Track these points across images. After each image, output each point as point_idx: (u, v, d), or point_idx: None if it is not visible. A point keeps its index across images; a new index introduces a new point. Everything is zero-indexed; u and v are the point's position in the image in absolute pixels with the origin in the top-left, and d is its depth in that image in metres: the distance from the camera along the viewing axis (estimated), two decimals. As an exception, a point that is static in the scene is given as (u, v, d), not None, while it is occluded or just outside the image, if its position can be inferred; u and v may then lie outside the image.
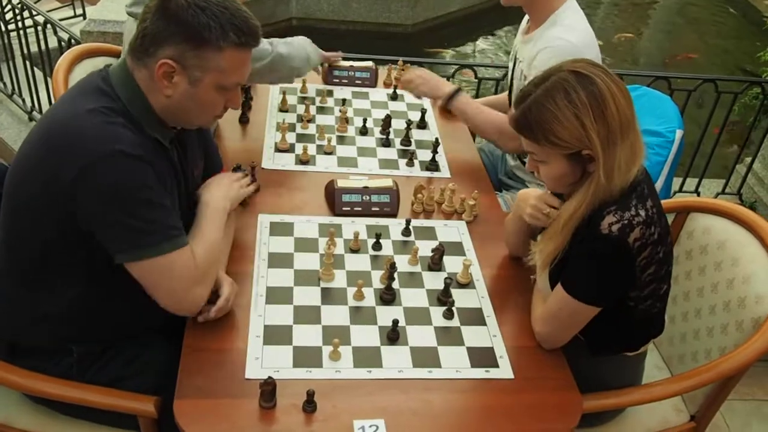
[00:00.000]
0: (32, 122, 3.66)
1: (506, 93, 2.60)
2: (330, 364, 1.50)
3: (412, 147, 2.28)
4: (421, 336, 1.60)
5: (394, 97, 2.55)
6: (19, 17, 3.45)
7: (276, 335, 1.55)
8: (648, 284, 1.58)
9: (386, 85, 2.63)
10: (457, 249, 1.88)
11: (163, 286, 1.45)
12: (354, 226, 1.90)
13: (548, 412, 1.48)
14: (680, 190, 3.48)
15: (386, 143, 2.28)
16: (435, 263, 1.79)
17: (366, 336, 1.58)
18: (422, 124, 2.40)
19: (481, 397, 1.50)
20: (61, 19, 4.34)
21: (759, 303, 1.68)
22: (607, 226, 1.47)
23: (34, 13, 3.32)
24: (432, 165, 2.19)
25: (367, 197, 1.96)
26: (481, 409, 1.48)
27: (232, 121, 2.31)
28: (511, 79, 2.36)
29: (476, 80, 3.24)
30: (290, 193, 2.01)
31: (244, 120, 2.31)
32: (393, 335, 1.58)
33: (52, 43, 3.35)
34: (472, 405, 1.48)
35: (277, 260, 1.76)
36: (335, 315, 1.63)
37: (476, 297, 1.73)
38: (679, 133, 2.24)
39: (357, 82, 2.59)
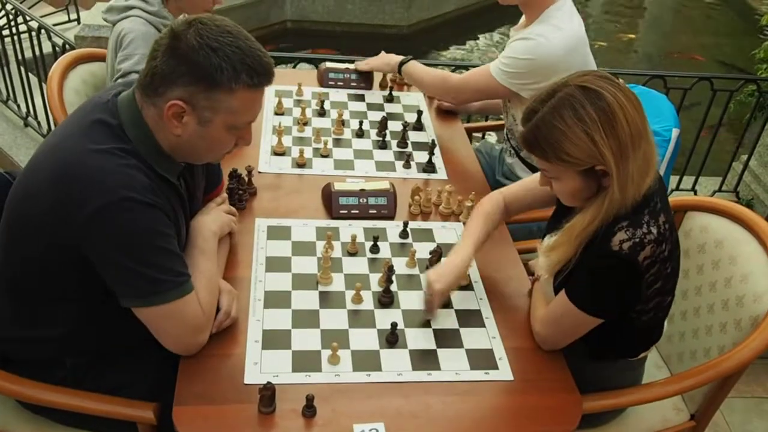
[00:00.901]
0: (27, 128, 3.65)
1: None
2: (329, 368, 1.50)
3: (409, 149, 2.28)
4: (420, 338, 1.60)
5: (390, 99, 2.55)
6: (12, 23, 3.44)
7: (275, 340, 1.55)
8: (653, 298, 1.57)
9: (382, 87, 2.62)
10: (455, 251, 1.87)
11: (170, 332, 1.44)
12: (351, 229, 1.89)
13: (548, 414, 1.48)
14: (677, 188, 3.49)
15: (383, 145, 2.28)
16: (433, 266, 1.78)
17: (365, 339, 1.58)
18: (418, 126, 2.40)
19: (481, 400, 1.49)
20: (55, 24, 4.34)
21: (757, 301, 1.68)
22: (618, 243, 1.44)
23: (28, 18, 3.31)
24: (429, 167, 2.19)
25: (364, 200, 1.96)
26: (480, 412, 1.47)
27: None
28: None
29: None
30: (287, 197, 2.01)
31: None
32: (392, 338, 1.57)
33: (47, 48, 3.34)
34: (471, 407, 1.47)
35: (275, 264, 1.75)
36: (334, 319, 1.62)
37: (475, 299, 1.73)
38: (675, 132, 2.24)
39: (353, 84, 2.58)
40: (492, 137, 3.74)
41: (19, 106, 3.69)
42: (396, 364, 1.53)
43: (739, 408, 2.58)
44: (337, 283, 1.72)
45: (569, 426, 1.46)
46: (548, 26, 2.10)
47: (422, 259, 1.81)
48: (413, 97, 2.59)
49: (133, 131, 1.41)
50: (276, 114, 2.38)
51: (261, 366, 1.49)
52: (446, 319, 1.66)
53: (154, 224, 1.38)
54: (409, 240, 1.89)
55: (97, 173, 1.34)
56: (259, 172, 2.08)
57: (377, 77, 2.65)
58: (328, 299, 1.67)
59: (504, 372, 1.54)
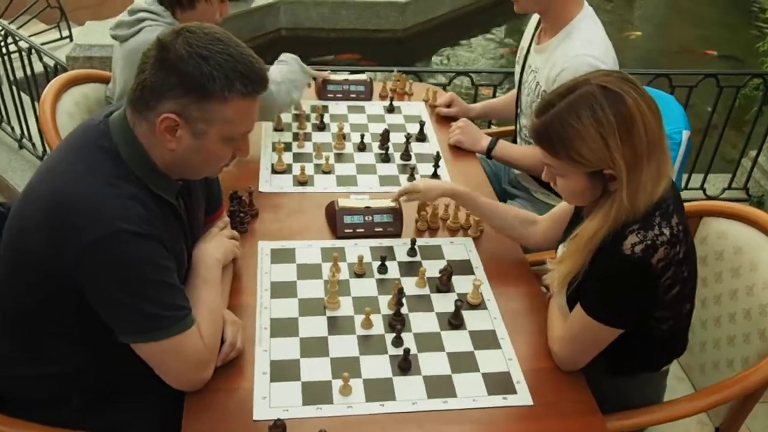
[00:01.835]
0: (22, 150, 3.60)
1: (509, 96, 2.55)
2: (341, 400, 1.44)
3: (413, 161, 2.22)
4: (433, 364, 1.54)
5: (390, 109, 2.49)
6: (2, 44, 3.38)
7: (283, 371, 1.49)
8: (672, 304, 1.51)
9: (382, 97, 2.57)
10: (465, 267, 1.81)
11: (172, 368, 1.38)
12: (357, 249, 1.83)
13: (571, 439, 1.42)
14: (686, 187, 3.43)
15: (386, 158, 2.22)
16: (443, 284, 1.72)
17: (377, 367, 1.52)
18: (421, 137, 2.34)
19: (501, 428, 1.43)
20: (46, 42, 4.30)
21: (782, 311, 1.62)
22: (630, 246, 1.39)
23: (18, 39, 3.26)
24: (434, 179, 2.13)
25: (370, 217, 1.90)
26: (501, 440, 1.41)
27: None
28: (520, 84, 2.30)
29: (472, 87, 3.18)
30: (290, 217, 1.95)
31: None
32: (405, 365, 1.51)
33: (39, 68, 3.29)
34: (491, 436, 1.41)
35: (280, 290, 1.69)
36: (343, 346, 1.56)
37: (489, 318, 1.67)
38: (685, 134, 2.17)
39: (352, 95, 2.53)
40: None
41: (12, 128, 3.63)
42: (410, 393, 1.47)
43: (761, 414, 2.51)
44: (345, 307, 1.66)
45: (593, 451, 1.40)
46: (580, 41, 2.00)
47: (432, 278, 1.75)
48: (414, 107, 2.53)
49: (126, 151, 1.35)
50: (275, 130, 2.32)
51: (270, 400, 1.43)
52: (460, 341, 1.60)
53: (150, 257, 1.32)
54: (418, 258, 1.83)
55: (91, 203, 1.28)
56: (260, 192, 2.02)
57: (377, 87, 2.59)
58: (336, 325, 1.61)
59: (523, 396, 1.48)
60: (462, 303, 1.64)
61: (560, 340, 1.54)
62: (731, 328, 1.77)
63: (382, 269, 1.77)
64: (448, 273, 1.72)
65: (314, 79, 2.49)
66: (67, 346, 1.43)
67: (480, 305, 1.70)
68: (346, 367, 1.49)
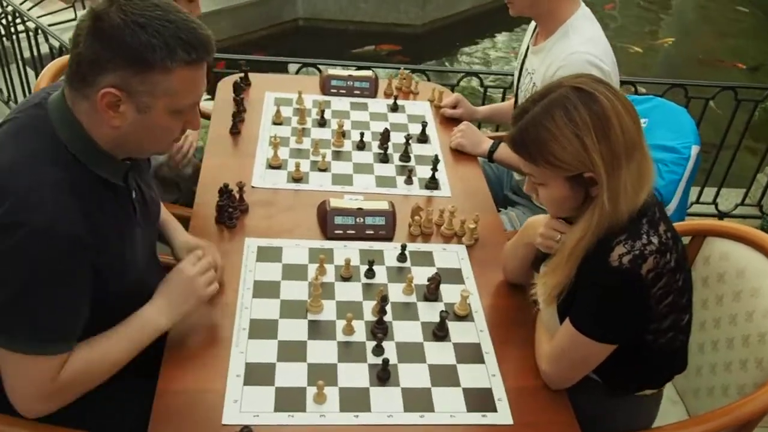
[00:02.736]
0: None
1: (512, 100, 2.49)
2: (314, 408, 1.39)
3: (412, 163, 2.17)
4: (413, 375, 1.49)
5: (394, 108, 2.43)
6: (12, 24, 3.37)
7: (258, 374, 1.44)
8: (666, 315, 1.45)
9: (387, 95, 2.51)
10: (455, 276, 1.76)
11: (7, 381, 1.28)
12: (346, 251, 1.79)
13: (550, 463, 1.37)
14: (697, 201, 3.34)
15: (384, 159, 2.16)
16: (431, 293, 1.67)
17: (354, 375, 1.47)
18: (423, 138, 2.29)
19: (477, 447, 1.38)
20: (61, 22, 4.29)
21: (781, 340, 1.55)
22: (618, 257, 1.35)
23: (26, 19, 3.24)
24: (432, 183, 2.07)
25: (361, 219, 1.85)
26: (476, 459, 1.36)
27: (222, 133, 2.20)
28: (517, 89, 2.25)
29: (482, 88, 3.11)
30: (280, 215, 1.90)
31: (234, 131, 2.21)
32: (383, 375, 1.47)
33: (45, 49, 3.27)
34: (467, 454, 1.36)
35: (263, 289, 1.65)
36: (322, 351, 1.51)
37: (475, 331, 1.62)
38: (695, 149, 2.10)
39: (356, 92, 2.47)
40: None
41: (19, 107, 3.62)
42: (387, 405, 1.42)
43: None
44: (328, 311, 1.61)
45: (572, 477, 1.35)
46: (577, 38, 1.94)
47: (420, 285, 1.70)
48: (419, 107, 2.48)
49: (66, 133, 1.27)
50: (274, 123, 2.27)
51: (241, 404, 1.38)
52: (442, 353, 1.55)
53: (58, 264, 1.22)
54: (408, 264, 1.78)
55: (17, 189, 1.20)
56: (252, 187, 1.98)
57: (382, 84, 2.54)
58: (317, 329, 1.57)
59: (503, 415, 1.43)
60: (447, 314, 1.59)
61: (548, 357, 1.49)
62: (728, 353, 1.71)
63: (370, 274, 1.72)
64: (436, 282, 1.67)
65: (320, 72, 2.43)
66: None
67: (467, 317, 1.65)
68: (323, 374, 1.44)
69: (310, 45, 5.64)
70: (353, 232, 1.84)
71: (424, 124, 2.29)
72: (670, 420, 1.77)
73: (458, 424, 1.40)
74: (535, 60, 2.09)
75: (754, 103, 3.12)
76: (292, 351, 1.51)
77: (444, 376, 1.50)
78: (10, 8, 3.35)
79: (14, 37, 3.44)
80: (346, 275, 1.71)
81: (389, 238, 1.86)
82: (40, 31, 3.23)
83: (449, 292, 1.70)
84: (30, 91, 3.47)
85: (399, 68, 2.67)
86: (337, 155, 2.17)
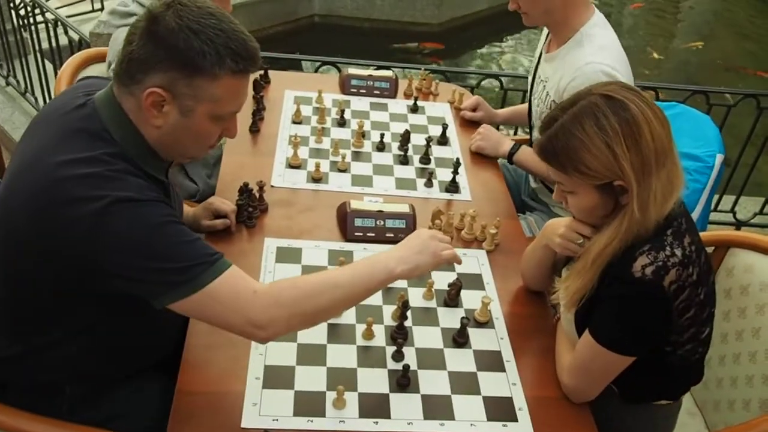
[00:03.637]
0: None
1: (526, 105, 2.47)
2: (333, 413, 1.38)
3: (432, 165, 2.15)
4: (433, 382, 1.47)
5: (414, 109, 2.42)
6: (31, 15, 3.37)
7: (277, 378, 1.43)
8: (687, 328, 1.44)
9: (406, 96, 2.49)
10: (476, 282, 1.74)
11: (218, 318, 1.29)
12: (366, 254, 1.77)
13: (571, 476, 1.35)
14: (715, 209, 3.31)
15: (404, 161, 2.15)
16: (451, 299, 1.66)
17: (374, 381, 1.46)
18: (443, 140, 2.27)
19: (497, 457, 1.37)
20: (79, 14, 4.29)
21: (806, 356, 1.53)
22: (640, 268, 1.33)
23: (45, 10, 3.24)
24: (452, 186, 2.06)
25: (382, 222, 1.84)
26: (496, 470, 1.35)
27: (241, 132, 2.18)
28: (530, 96, 2.22)
29: (502, 90, 3.09)
30: (300, 215, 1.89)
31: (254, 129, 2.20)
32: (403, 381, 1.45)
33: (64, 40, 3.27)
34: (487, 464, 1.35)
35: (282, 291, 1.64)
36: (342, 356, 1.50)
37: (495, 338, 1.60)
38: (719, 158, 2.07)
39: (375, 92, 2.46)
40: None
41: (36, 99, 3.62)
42: (406, 412, 1.41)
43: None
44: (348, 315, 1.60)
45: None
46: (591, 48, 1.91)
47: (440, 290, 1.69)
48: (439, 108, 2.46)
49: (118, 132, 1.29)
50: (293, 122, 2.26)
51: (260, 407, 1.37)
52: (463, 361, 1.53)
53: (160, 218, 1.25)
54: (428, 268, 1.76)
55: (79, 185, 1.21)
56: (272, 186, 1.97)
57: (402, 85, 2.52)
58: (336, 333, 1.55)
59: (524, 425, 1.41)
60: (468, 321, 1.57)
61: (569, 370, 1.47)
62: (751, 367, 1.69)
63: (390, 277, 1.70)
64: (457, 287, 1.66)
65: (339, 72, 2.43)
66: (69, 332, 1.38)
67: (487, 323, 1.63)
68: (342, 379, 1.43)
69: (326, 42, 5.62)
70: (373, 234, 1.83)
71: (445, 126, 2.27)
72: (688, 432, 1.75)
73: (478, 433, 1.39)
74: (548, 68, 2.07)
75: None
76: (311, 354, 1.50)
77: (464, 383, 1.48)
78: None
79: (32, 28, 3.44)
80: (366, 278, 1.69)
81: (409, 242, 1.84)
82: (59, 23, 3.22)
83: (469, 298, 1.68)
84: (48, 83, 3.47)
85: (419, 68, 2.65)
86: (357, 156, 2.15)
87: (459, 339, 1.57)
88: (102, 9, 4.59)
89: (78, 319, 1.36)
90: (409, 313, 1.58)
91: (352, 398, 1.41)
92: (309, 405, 1.39)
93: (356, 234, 1.82)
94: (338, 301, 1.35)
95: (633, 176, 1.33)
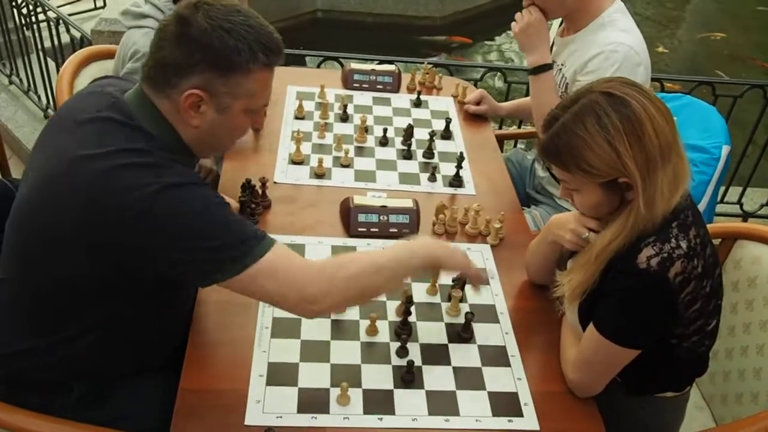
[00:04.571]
0: (47, 120, 3.58)
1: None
2: (338, 410, 1.38)
3: (435, 160, 2.14)
4: (438, 378, 1.46)
5: (417, 103, 2.40)
6: (33, 13, 3.37)
7: (280, 375, 1.43)
8: (693, 321, 1.42)
9: (409, 90, 2.48)
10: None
11: (273, 293, 1.31)
12: (370, 249, 1.76)
13: (577, 471, 1.34)
14: (722, 201, 3.29)
15: (407, 155, 2.14)
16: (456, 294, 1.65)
17: (378, 377, 1.45)
18: (446, 134, 2.26)
19: (503, 453, 1.36)
20: (81, 12, 4.29)
21: (815, 349, 1.51)
22: (645, 260, 1.32)
23: (47, 9, 3.24)
24: (456, 180, 2.04)
25: (385, 217, 1.83)
26: (502, 465, 1.34)
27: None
28: None
29: (505, 84, 3.07)
30: (303, 211, 1.88)
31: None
32: (408, 377, 1.44)
33: (66, 38, 3.27)
34: (492, 460, 1.34)
35: (286, 287, 1.63)
36: (346, 352, 1.50)
37: (500, 333, 1.59)
38: (725, 149, 2.06)
39: (378, 87, 2.45)
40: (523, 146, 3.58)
41: (39, 96, 3.62)
42: (411, 408, 1.40)
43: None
44: (351, 311, 1.59)
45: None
46: (614, 30, 1.92)
47: (444, 285, 1.67)
48: (442, 102, 2.44)
49: (156, 129, 1.31)
50: (296, 118, 2.25)
51: (264, 405, 1.37)
52: (468, 356, 1.52)
53: (207, 198, 1.28)
54: (432, 263, 1.75)
55: (125, 175, 1.22)
56: (275, 183, 1.96)
57: (405, 79, 2.51)
58: (340, 329, 1.55)
59: (529, 420, 1.40)
60: (473, 316, 1.56)
61: (574, 365, 1.46)
62: (758, 360, 1.67)
63: (393, 273, 1.69)
64: (462, 282, 1.65)
65: (342, 67, 2.42)
66: (85, 328, 1.38)
67: (493, 318, 1.62)
68: (346, 375, 1.42)
69: (329, 37, 5.61)
70: (377, 230, 1.82)
71: (448, 120, 2.26)
72: (696, 426, 1.74)
73: (484, 429, 1.38)
74: (564, 51, 2.05)
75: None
76: (315, 351, 1.49)
77: (469, 379, 1.47)
78: (30, -3, 3.35)
79: (35, 26, 3.43)
80: (370, 274, 1.69)
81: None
82: (60, 21, 3.22)
83: (474, 293, 1.67)
84: (51, 82, 3.47)
85: (422, 62, 2.64)
86: (360, 151, 2.14)
87: (464, 334, 1.56)
88: (104, 6, 4.58)
89: (97, 312, 1.37)
90: (413, 309, 1.58)
91: (356, 394, 1.40)
92: (313, 402, 1.38)
93: (360, 229, 1.81)
94: (386, 282, 1.41)
95: (637, 173, 1.31)
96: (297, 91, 2.38)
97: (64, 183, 1.27)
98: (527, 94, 3.02)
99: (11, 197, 1.45)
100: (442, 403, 1.41)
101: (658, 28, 6.62)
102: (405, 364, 1.45)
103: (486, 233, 1.87)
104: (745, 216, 3.33)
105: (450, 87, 2.52)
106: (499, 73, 3.23)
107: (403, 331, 1.53)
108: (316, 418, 1.36)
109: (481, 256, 1.81)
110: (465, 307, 1.63)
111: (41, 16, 3.37)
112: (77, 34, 3.14)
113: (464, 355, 1.52)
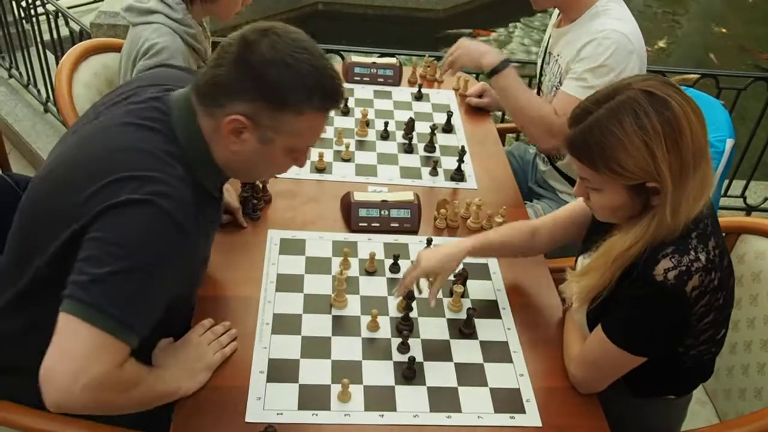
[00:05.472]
0: (47, 114, 3.56)
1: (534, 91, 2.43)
2: (339, 407, 1.37)
3: (437, 154, 2.12)
4: (440, 374, 1.46)
5: (419, 96, 2.38)
6: (32, 6, 3.35)
7: (281, 371, 1.42)
8: (704, 331, 1.40)
9: (411, 83, 2.46)
10: (481, 272, 1.72)
11: (68, 354, 1.14)
12: (371, 244, 1.75)
13: (580, 468, 1.33)
14: (725, 194, 3.27)
15: (409, 149, 2.12)
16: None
17: (379, 373, 1.44)
18: (448, 128, 2.24)
19: (505, 450, 1.35)
20: (82, 4, 4.26)
21: (820, 344, 1.50)
22: (663, 272, 1.28)
23: (46, 1, 3.22)
24: (457, 175, 2.03)
25: (386, 212, 1.81)
26: (504, 462, 1.33)
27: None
28: (541, 74, 2.19)
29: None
30: (303, 206, 1.87)
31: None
32: (409, 373, 1.44)
33: (65, 32, 3.25)
34: (494, 457, 1.33)
35: (286, 283, 1.62)
36: (347, 348, 1.49)
37: (502, 328, 1.58)
38: (729, 143, 2.04)
39: (379, 80, 2.43)
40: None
41: (39, 90, 3.60)
42: (412, 404, 1.39)
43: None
44: (353, 306, 1.58)
45: (603, 483, 1.31)
46: (609, 18, 1.92)
47: (446, 280, 1.66)
48: (444, 96, 2.43)
49: (186, 140, 1.28)
50: (296, 112, 2.23)
51: (265, 402, 1.36)
52: (469, 352, 1.51)
53: (167, 249, 1.19)
54: (433, 258, 1.74)
55: (145, 170, 1.20)
56: (275, 177, 1.94)
57: (406, 72, 2.49)
58: (341, 325, 1.54)
59: (531, 417, 1.39)
60: (474, 311, 1.55)
61: (578, 362, 1.44)
62: (762, 355, 1.66)
63: (395, 268, 1.68)
64: (463, 277, 1.64)
65: (342, 60, 2.40)
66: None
67: (495, 313, 1.61)
68: (347, 371, 1.42)
69: (330, 30, 5.57)
70: (378, 224, 1.81)
71: (450, 114, 2.24)
72: (698, 422, 1.73)
73: (486, 425, 1.37)
74: (560, 42, 2.05)
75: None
76: (316, 347, 1.48)
77: (471, 375, 1.46)
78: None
79: (34, 19, 3.41)
80: (371, 269, 1.68)
81: (414, 231, 1.82)
82: (60, 14, 3.20)
83: (476, 288, 1.66)
84: (50, 75, 3.45)
85: (423, 55, 2.62)
86: (361, 145, 2.13)
87: (465, 330, 1.55)
88: (103, -1, 4.56)
89: None
90: (414, 304, 1.56)
91: (357, 391, 1.40)
92: (314, 398, 1.37)
93: (361, 224, 1.80)
94: (133, 403, 1.27)
95: (670, 179, 1.26)
96: (297, 84, 2.36)
97: (71, 161, 1.26)
98: (530, 86, 3.01)
99: (11, 192, 1.44)
100: (443, 400, 1.40)
101: (655, 23, 6.58)
102: (406, 360, 1.44)
103: (488, 228, 1.85)
104: (749, 209, 3.31)
105: (451, 80, 2.50)
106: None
107: (405, 326, 1.52)
108: (317, 414, 1.35)
109: (483, 251, 1.79)
110: (467, 303, 1.62)
111: (40, 9, 3.35)
112: (76, 27, 3.11)
113: (466, 351, 1.51)
